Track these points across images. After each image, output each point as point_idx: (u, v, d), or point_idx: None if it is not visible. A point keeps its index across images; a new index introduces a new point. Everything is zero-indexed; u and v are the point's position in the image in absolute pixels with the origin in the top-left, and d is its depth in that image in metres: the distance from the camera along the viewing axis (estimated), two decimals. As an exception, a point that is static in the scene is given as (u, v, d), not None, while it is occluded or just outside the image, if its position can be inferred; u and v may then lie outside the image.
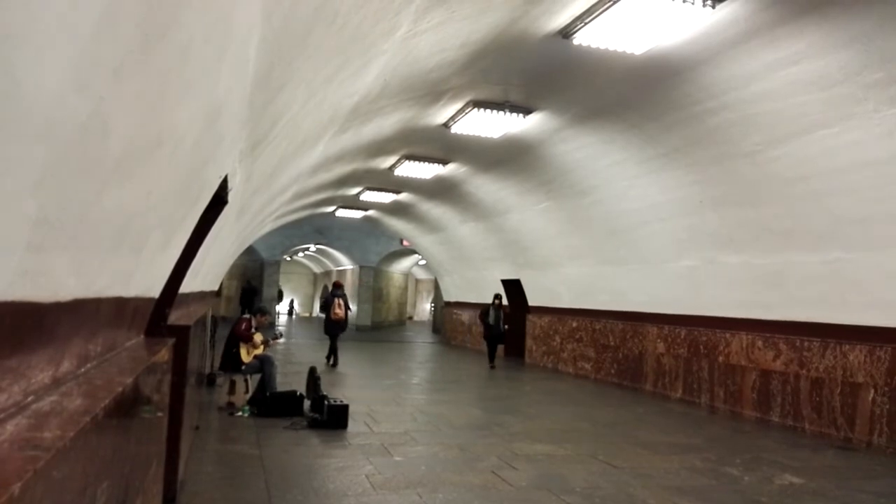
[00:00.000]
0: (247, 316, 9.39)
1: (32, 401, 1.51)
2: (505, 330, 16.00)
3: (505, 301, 16.66)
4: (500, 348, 16.48)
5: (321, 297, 37.13)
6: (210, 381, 10.40)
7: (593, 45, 6.48)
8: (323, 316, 15.42)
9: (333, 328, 14.48)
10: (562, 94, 8.48)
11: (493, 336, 15.76)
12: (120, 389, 1.95)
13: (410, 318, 39.17)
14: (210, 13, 1.73)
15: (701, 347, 10.73)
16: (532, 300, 16.63)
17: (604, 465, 6.52)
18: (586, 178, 11.06)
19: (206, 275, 7.24)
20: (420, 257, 27.58)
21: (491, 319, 15.77)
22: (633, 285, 12.20)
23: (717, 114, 7.75)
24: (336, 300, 14.71)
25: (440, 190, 15.23)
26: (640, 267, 11.77)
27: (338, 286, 15.45)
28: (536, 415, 9.49)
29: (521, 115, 8.94)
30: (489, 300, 19.38)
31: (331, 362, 14.14)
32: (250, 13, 2.24)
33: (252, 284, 25.91)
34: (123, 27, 1.21)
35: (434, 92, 8.02)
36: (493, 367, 15.22)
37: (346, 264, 31.49)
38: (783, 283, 8.98)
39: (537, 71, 7.61)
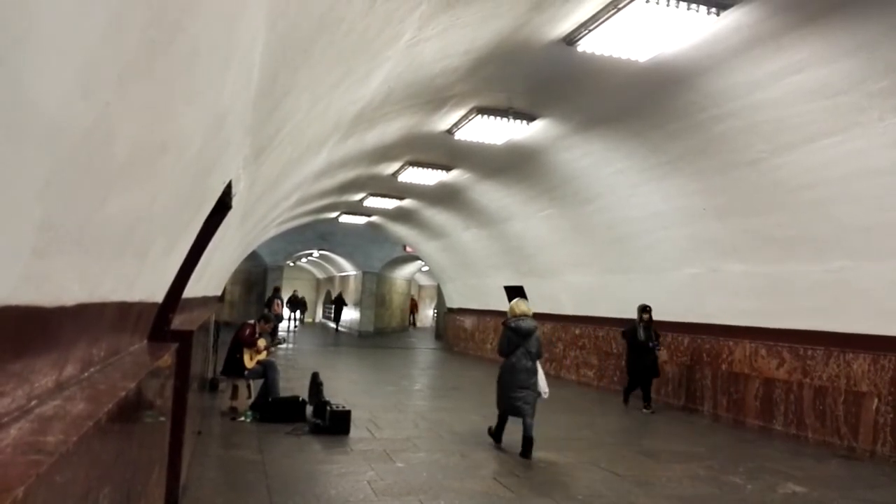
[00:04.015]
0: (251, 321, 9.42)
1: (36, 405, 1.52)
2: (658, 356, 10.66)
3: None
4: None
5: (324, 302, 37.87)
6: (213, 385, 10.40)
7: (597, 53, 6.48)
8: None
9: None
10: (565, 102, 8.48)
11: (647, 366, 10.54)
12: (123, 394, 1.96)
13: (413, 324, 39.12)
14: (215, 20, 1.74)
15: (704, 355, 10.70)
16: (535, 307, 16.54)
17: (606, 473, 6.51)
18: (590, 185, 11.06)
19: (209, 280, 7.25)
20: (423, 263, 27.56)
21: (641, 340, 10.60)
22: (636, 293, 12.16)
23: (720, 122, 7.75)
24: (276, 301, 20.78)
25: (443, 196, 15.24)
26: (643, 275, 11.74)
27: (276, 290, 21.86)
28: (538, 422, 9.46)
29: (524, 122, 8.94)
30: (491, 307, 19.06)
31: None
32: (255, 20, 2.25)
33: None
34: (129, 34, 1.22)
35: (438, 98, 8.03)
36: (651, 412, 10.39)
37: (349, 270, 31.49)
38: (787, 291, 8.95)
39: (541, 78, 7.62)
